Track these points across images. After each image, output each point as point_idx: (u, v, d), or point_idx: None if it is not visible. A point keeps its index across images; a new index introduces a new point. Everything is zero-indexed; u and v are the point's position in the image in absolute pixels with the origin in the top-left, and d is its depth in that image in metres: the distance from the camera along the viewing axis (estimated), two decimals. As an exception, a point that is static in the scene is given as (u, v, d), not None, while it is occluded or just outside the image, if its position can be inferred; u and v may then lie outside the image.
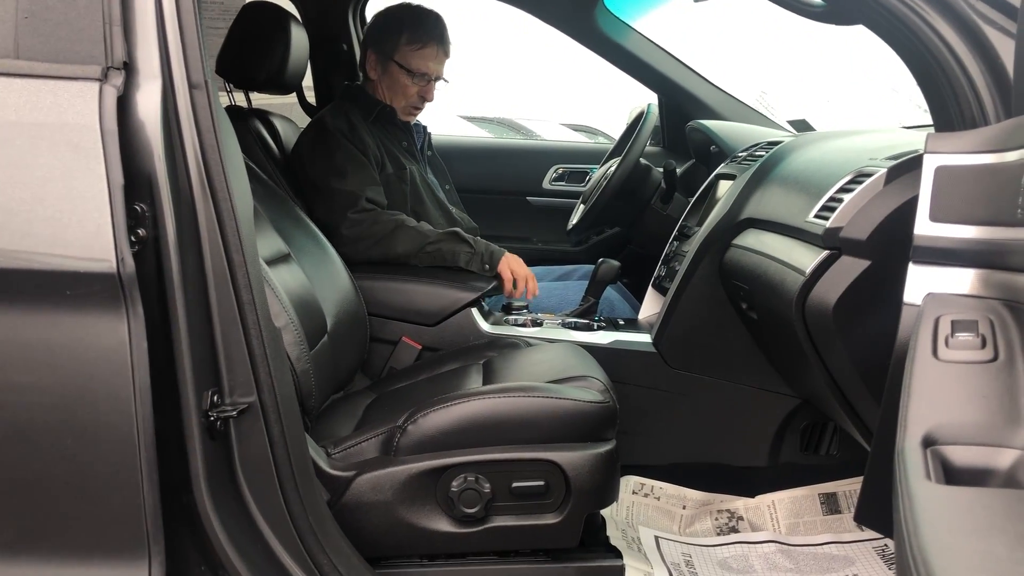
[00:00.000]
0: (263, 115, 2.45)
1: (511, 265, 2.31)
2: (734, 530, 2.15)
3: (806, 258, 1.55)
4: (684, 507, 2.19)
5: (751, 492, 2.20)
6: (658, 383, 2.20)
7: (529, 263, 2.44)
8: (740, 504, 2.19)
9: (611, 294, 2.55)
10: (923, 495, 0.72)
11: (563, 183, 3.37)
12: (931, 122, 1.49)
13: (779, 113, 3.17)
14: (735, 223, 2.07)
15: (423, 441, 1.58)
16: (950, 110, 1.34)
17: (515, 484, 1.57)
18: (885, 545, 2.02)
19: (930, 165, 1.13)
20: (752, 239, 1.95)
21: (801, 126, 3.07)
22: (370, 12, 3.03)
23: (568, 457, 1.57)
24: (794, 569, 1.97)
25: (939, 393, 0.90)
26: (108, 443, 1.20)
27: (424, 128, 2.67)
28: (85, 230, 1.14)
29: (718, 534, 2.14)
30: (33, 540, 1.25)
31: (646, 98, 3.20)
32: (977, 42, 1.32)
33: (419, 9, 2.51)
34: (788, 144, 2.14)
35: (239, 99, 2.44)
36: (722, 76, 3.13)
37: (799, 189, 1.81)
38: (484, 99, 6.40)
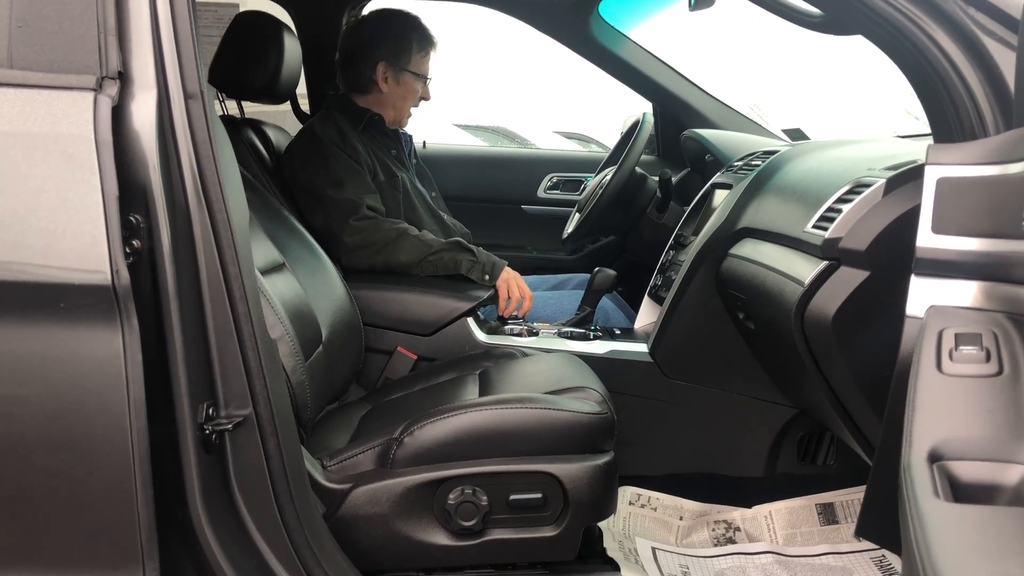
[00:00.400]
0: (256, 125, 2.44)
1: (509, 281, 2.31)
2: (731, 541, 2.14)
3: (805, 268, 1.55)
4: (681, 518, 2.18)
5: (748, 502, 2.19)
6: (654, 393, 2.20)
7: (524, 271, 2.43)
8: (737, 515, 2.18)
9: (607, 303, 2.55)
10: (933, 514, 0.71)
11: (558, 191, 3.37)
12: (925, 131, 1.49)
13: (773, 121, 3.17)
14: (732, 232, 2.07)
15: (420, 453, 1.57)
16: (949, 121, 1.34)
17: (512, 496, 1.55)
18: (883, 556, 2.01)
19: (932, 176, 1.13)
20: (749, 249, 1.95)
21: (796, 135, 3.08)
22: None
23: (566, 469, 1.56)
24: (792, 580, 1.96)
25: (944, 407, 0.89)
26: (102, 457, 1.19)
27: (410, 136, 2.68)
28: (79, 242, 1.13)
29: (715, 545, 2.13)
30: (27, 554, 1.24)
31: (638, 105, 3.20)
32: (975, 52, 1.32)
33: (413, 16, 2.54)
34: (784, 154, 2.14)
35: (231, 108, 2.43)
36: (714, 82, 3.14)
37: (796, 199, 1.81)
38: (479, 108, 6.40)
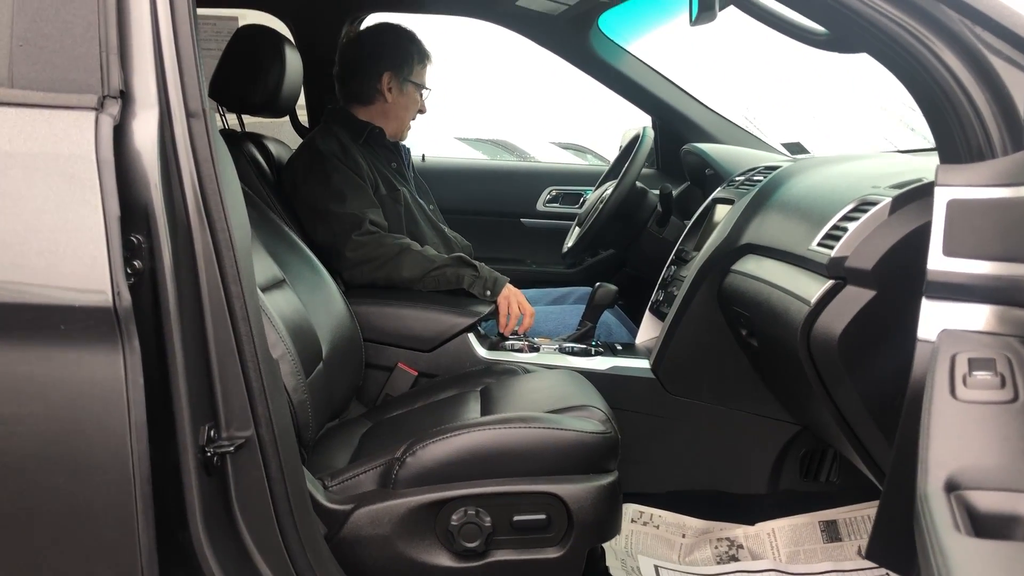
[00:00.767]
0: (257, 138, 2.43)
1: (510, 298, 2.30)
2: (734, 559, 2.12)
3: (810, 287, 1.53)
4: (684, 535, 2.17)
5: (751, 520, 2.17)
6: (657, 409, 2.18)
7: (523, 285, 2.43)
8: (740, 532, 2.16)
9: (609, 318, 2.53)
10: (956, 549, 0.69)
11: (557, 204, 3.36)
12: (925, 145, 1.48)
13: (770, 132, 3.17)
14: (734, 248, 2.06)
15: (422, 473, 1.55)
16: (956, 140, 1.33)
17: (516, 517, 1.54)
18: (887, 574, 2.00)
19: (942, 198, 1.12)
20: (752, 265, 1.94)
21: (795, 148, 3.07)
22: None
23: (570, 490, 1.54)
24: (796, 599, 1.95)
25: (959, 434, 0.88)
26: (102, 480, 1.17)
27: (408, 149, 2.67)
28: (80, 263, 1.11)
29: (718, 563, 2.11)
30: (26, 577, 1.22)
31: (634, 116, 3.20)
32: (982, 72, 1.31)
33: (410, 30, 2.55)
34: (787, 169, 2.13)
35: (230, 120, 2.42)
36: (710, 93, 3.14)
37: (800, 216, 1.80)
38: (479, 120, 6.41)
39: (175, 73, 1.21)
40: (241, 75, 2.21)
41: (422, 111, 2.57)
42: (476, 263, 2.31)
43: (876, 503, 2.15)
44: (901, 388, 1.16)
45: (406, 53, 2.49)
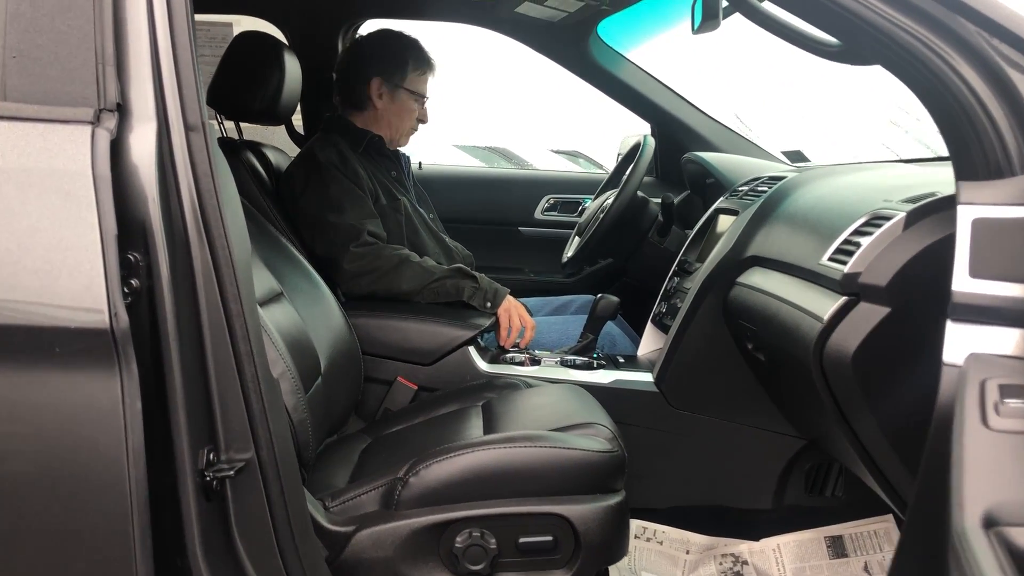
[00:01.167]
0: (256, 147, 2.39)
1: (511, 310, 2.26)
2: (739, 575, 2.09)
3: (823, 304, 1.50)
4: (688, 552, 2.13)
5: (756, 535, 2.14)
6: (660, 424, 2.15)
7: (522, 294, 2.39)
8: (745, 548, 2.13)
9: (613, 328, 2.50)
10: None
11: (555, 213, 3.34)
12: (926, 153, 1.44)
13: (770, 141, 3.14)
14: (740, 260, 2.02)
15: (425, 494, 1.51)
16: (973, 155, 1.29)
17: (522, 539, 1.50)
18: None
19: (966, 217, 1.08)
20: (759, 278, 1.90)
21: (795, 156, 3.05)
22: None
23: (577, 510, 1.51)
24: (803, 618, 1.91)
25: (994, 466, 0.84)
26: (99, 507, 1.13)
27: (408, 158, 2.64)
28: (76, 283, 1.07)
29: (723, 580, 2.08)
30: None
31: (633, 123, 3.18)
32: (1001, 85, 1.27)
33: (410, 37, 2.52)
34: (792, 180, 2.10)
35: (228, 127, 2.38)
36: (706, 99, 3.12)
37: (809, 229, 1.77)
38: (478, 128, 6.39)
39: (173, 85, 1.17)
40: (240, 82, 2.17)
41: (422, 120, 2.52)
42: (476, 274, 2.28)
43: (882, 518, 2.13)
44: (920, 411, 1.13)
45: (399, 59, 2.45)
